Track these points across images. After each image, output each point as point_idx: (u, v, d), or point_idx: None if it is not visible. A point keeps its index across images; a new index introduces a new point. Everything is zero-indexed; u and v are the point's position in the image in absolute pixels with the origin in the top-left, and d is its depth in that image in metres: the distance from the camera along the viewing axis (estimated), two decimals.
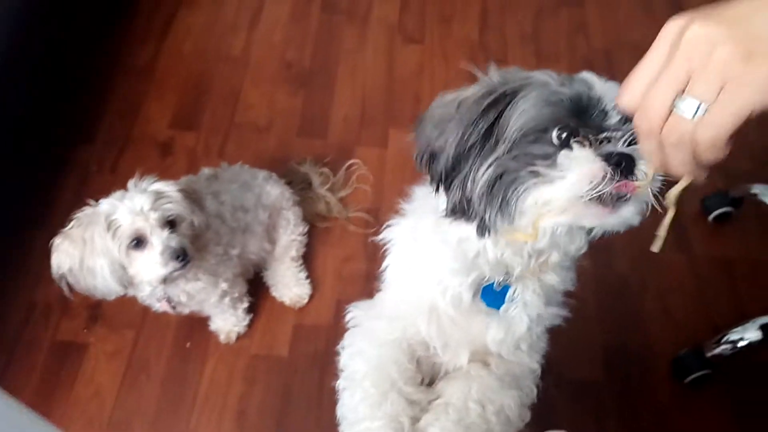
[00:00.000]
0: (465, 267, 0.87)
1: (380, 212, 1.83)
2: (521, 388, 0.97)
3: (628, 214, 0.70)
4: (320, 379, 1.57)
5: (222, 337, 1.60)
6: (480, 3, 2.38)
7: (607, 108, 0.71)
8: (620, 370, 1.60)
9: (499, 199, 0.73)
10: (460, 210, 0.78)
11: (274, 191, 1.58)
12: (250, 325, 1.62)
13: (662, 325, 1.68)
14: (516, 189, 0.71)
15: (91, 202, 1.23)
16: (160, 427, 1.49)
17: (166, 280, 1.24)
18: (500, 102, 0.73)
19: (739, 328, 1.49)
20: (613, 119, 0.71)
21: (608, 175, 0.67)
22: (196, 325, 1.62)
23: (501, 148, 0.72)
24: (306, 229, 1.70)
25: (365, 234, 1.79)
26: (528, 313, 0.91)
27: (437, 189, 0.80)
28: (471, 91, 0.77)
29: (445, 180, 0.78)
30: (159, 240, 1.20)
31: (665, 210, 0.69)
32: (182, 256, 1.21)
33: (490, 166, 0.72)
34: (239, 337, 1.61)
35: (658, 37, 0.55)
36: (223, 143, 1.97)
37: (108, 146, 1.95)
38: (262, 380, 1.57)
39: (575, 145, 0.69)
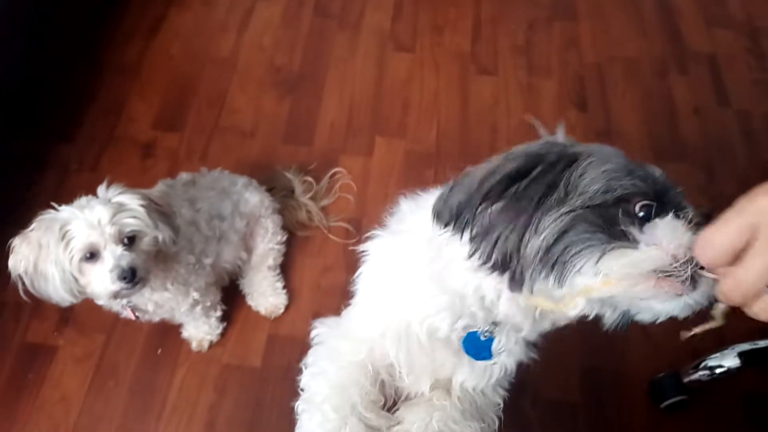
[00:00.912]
0: (452, 307, 0.83)
1: (362, 223, 1.81)
2: (483, 419, 0.95)
3: (697, 298, 0.67)
4: (293, 392, 1.52)
5: (194, 345, 1.57)
6: (473, 13, 2.36)
7: (684, 202, 0.71)
8: (596, 392, 1.58)
9: (557, 257, 0.67)
10: (501, 264, 0.72)
11: (253, 198, 1.56)
12: (223, 334, 1.60)
13: (641, 347, 1.65)
14: (590, 250, 0.66)
15: (56, 205, 1.20)
16: None
17: (117, 296, 1.21)
18: (570, 158, 0.70)
19: (717, 355, 1.47)
20: (691, 214, 0.69)
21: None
22: (168, 331, 1.60)
23: (575, 201, 0.68)
24: (285, 238, 1.68)
25: (346, 244, 1.77)
26: (509, 363, 0.89)
27: (461, 232, 0.74)
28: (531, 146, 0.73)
29: (475, 228, 0.72)
30: (111, 256, 1.16)
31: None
32: (130, 278, 1.17)
33: (560, 216, 0.67)
34: (212, 346, 1.59)
35: (748, 206, 0.55)
36: (206, 147, 1.95)
37: (89, 145, 1.93)
38: (234, 391, 1.54)
39: (672, 216, 0.67)
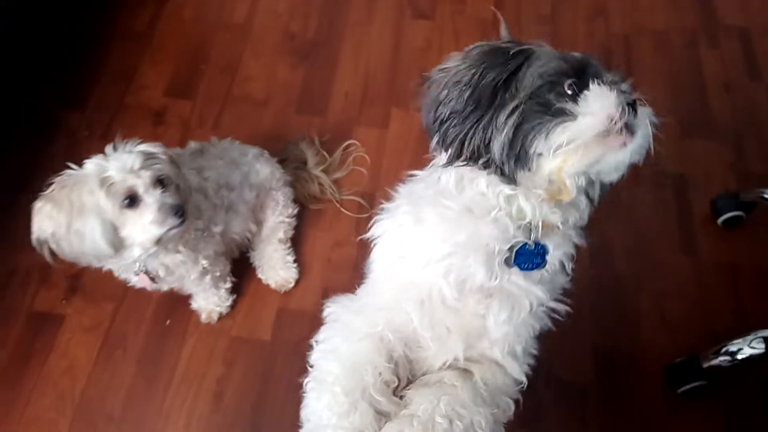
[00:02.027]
0: (478, 240, 0.85)
1: (375, 197, 1.76)
2: (498, 404, 0.91)
3: (638, 143, 0.80)
4: (301, 366, 1.50)
5: (203, 317, 1.56)
6: None
7: (602, 70, 0.83)
8: (610, 374, 1.55)
9: (519, 147, 0.79)
10: (476, 156, 0.82)
11: (264, 170, 1.53)
12: (233, 306, 1.58)
13: (658, 329, 1.61)
14: (540, 132, 0.78)
15: (73, 165, 1.18)
16: (133, 405, 1.46)
17: (159, 241, 1.19)
18: (520, 55, 0.81)
19: (739, 340, 1.42)
20: (610, 77, 0.82)
21: (625, 109, 0.77)
22: (178, 302, 1.58)
23: (521, 95, 0.79)
24: (296, 211, 1.64)
25: (358, 219, 1.73)
26: (556, 261, 0.91)
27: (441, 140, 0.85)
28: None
29: (459, 124, 0.82)
30: (153, 198, 1.15)
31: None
32: (180, 212, 1.17)
33: (513, 110, 0.79)
34: (221, 318, 1.57)
35: None
36: (218, 115, 1.91)
37: (100, 112, 1.90)
38: (242, 363, 1.53)
39: (596, 85, 0.79)
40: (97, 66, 1.99)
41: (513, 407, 0.95)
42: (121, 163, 1.15)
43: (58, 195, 1.13)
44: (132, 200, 1.15)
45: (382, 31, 2.13)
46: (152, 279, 1.34)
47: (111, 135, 1.81)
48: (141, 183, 1.15)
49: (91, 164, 1.16)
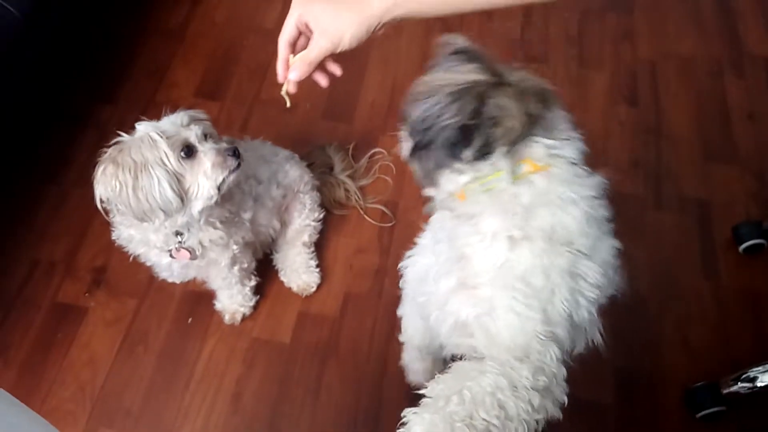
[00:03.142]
0: None
1: (399, 206, 1.77)
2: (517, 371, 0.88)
3: None
4: (320, 370, 1.53)
5: (227, 318, 1.56)
6: None
7: None
8: (629, 395, 1.54)
9: None
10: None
11: (294, 172, 1.54)
12: (255, 308, 1.58)
13: (679, 353, 1.61)
14: None
15: (122, 133, 1.21)
16: (152, 401, 1.46)
17: (220, 188, 1.23)
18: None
19: (759, 368, 1.41)
20: None
21: None
22: (200, 300, 1.58)
23: None
24: (321, 215, 1.65)
25: (381, 227, 1.74)
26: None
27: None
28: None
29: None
30: (208, 146, 1.21)
31: None
32: (237, 153, 1.23)
33: None
34: (243, 319, 1.57)
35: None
36: (246, 117, 1.93)
37: (130, 108, 1.91)
38: (262, 365, 1.53)
39: None
40: (130, 61, 2.01)
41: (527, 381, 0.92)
42: (171, 120, 1.21)
43: (119, 156, 1.16)
44: (189, 151, 1.19)
45: (410, 44, 2.15)
46: (190, 253, 1.33)
47: None
48: (193, 134, 1.20)
49: (143, 126, 1.20)
